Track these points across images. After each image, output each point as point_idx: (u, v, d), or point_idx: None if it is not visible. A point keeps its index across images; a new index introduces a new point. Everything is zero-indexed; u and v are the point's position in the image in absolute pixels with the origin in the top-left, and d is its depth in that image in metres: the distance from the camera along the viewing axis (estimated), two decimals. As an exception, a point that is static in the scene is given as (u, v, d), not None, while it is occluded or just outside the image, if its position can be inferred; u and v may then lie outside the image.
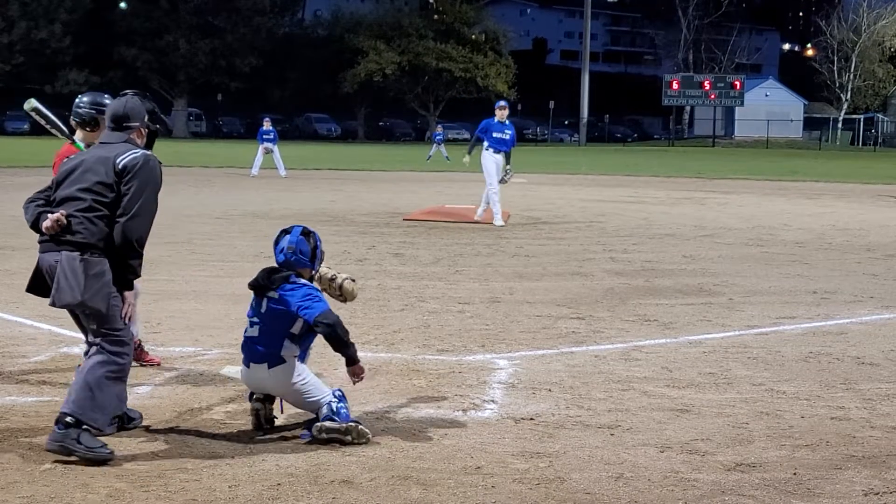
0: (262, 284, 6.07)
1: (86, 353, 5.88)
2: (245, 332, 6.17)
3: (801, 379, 7.70)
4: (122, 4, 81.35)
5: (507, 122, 19.17)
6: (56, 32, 75.42)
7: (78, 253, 5.57)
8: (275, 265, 6.19)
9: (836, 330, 9.63)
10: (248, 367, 6.14)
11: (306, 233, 6.24)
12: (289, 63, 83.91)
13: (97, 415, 5.58)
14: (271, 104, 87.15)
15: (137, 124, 5.97)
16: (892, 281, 12.87)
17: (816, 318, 10.19)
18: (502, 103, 19.51)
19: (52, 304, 5.64)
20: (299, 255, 6.14)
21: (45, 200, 5.79)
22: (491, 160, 18.95)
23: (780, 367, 8.07)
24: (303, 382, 6.07)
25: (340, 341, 5.97)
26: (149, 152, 5.89)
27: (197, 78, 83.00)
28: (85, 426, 5.51)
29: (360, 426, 5.96)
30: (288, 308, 5.97)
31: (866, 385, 7.56)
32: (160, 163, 5.92)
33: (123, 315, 5.76)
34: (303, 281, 6.12)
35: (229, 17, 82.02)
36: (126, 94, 6.10)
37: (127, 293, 5.77)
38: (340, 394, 6.13)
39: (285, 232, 6.24)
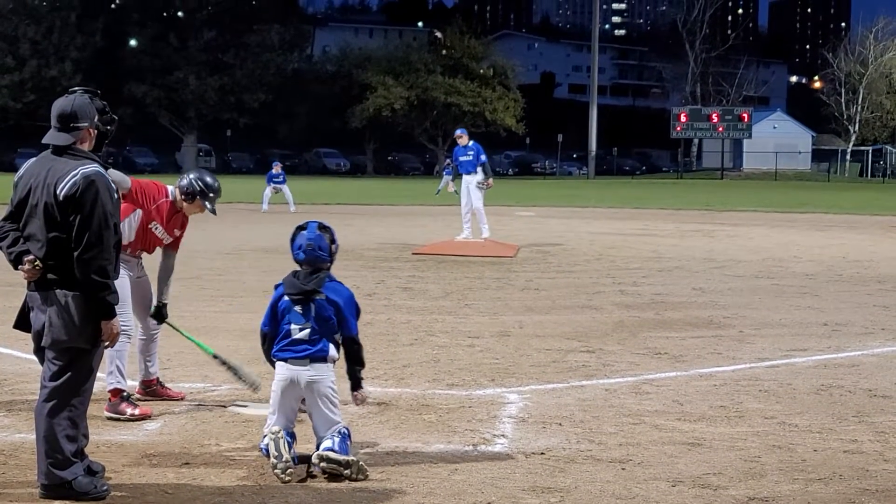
0: (309, 291, 6.14)
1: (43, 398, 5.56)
2: (286, 337, 6.14)
3: (814, 412, 7.66)
4: (132, 42, 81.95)
5: (470, 143, 21.09)
6: (67, 70, 75.90)
7: (67, 291, 5.42)
8: (296, 268, 6.28)
9: (847, 362, 9.59)
10: (285, 362, 6.14)
11: (323, 228, 6.34)
12: (298, 98, 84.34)
13: (65, 471, 5.47)
14: (280, 139, 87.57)
15: (86, 124, 5.55)
16: (904, 312, 12.82)
17: (828, 351, 10.15)
18: (458, 132, 21.62)
19: (45, 344, 5.48)
20: (318, 251, 6.25)
21: (17, 232, 5.52)
22: (463, 182, 21.06)
23: (792, 400, 8.02)
24: (335, 392, 6.17)
25: (361, 361, 6.32)
26: (88, 168, 5.42)
27: (206, 114, 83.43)
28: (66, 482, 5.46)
29: (360, 462, 5.94)
30: (339, 307, 6.18)
31: (879, 417, 7.51)
32: (107, 167, 5.55)
33: (108, 345, 5.60)
34: (338, 280, 6.33)
35: (238, 53, 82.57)
36: (75, 91, 5.68)
37: (108, 323, 5.50)
38: (347, 431, 6.15)
39: (301, 228, 6.33)
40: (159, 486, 5.77)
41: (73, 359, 5.49)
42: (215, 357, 7.84)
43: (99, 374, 5.83)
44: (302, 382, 6.13)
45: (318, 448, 6.05)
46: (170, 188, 7.81)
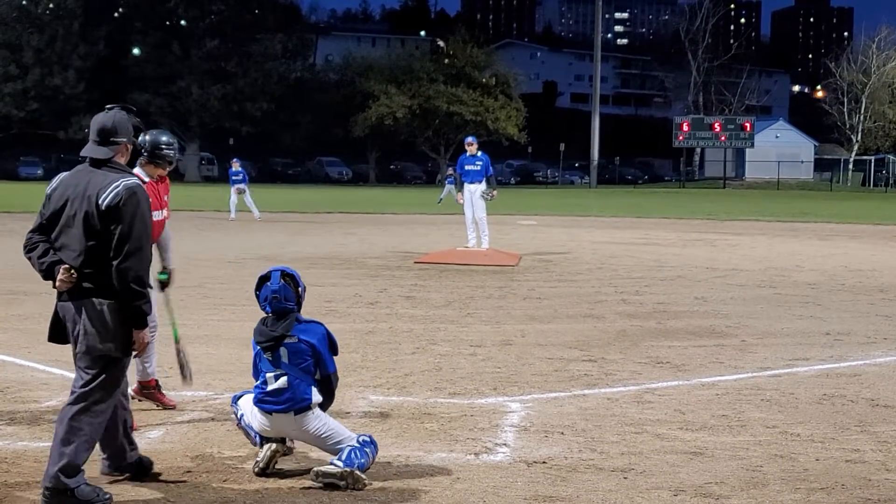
0: (277, 336, 6.09)
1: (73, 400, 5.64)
2: (263, 386, 6.15)
3: (816, 421, 7.65)
4: (136, 51, 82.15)
5: (479, 153, 20.98)
6: (70, 79, 76.14)
7: (102, 300, 5.52)
8: (265, 315, 6.25)
9: (849, 372, 9.59)
10: (269, 415, 6.14)
11: (285, 275, 6.23)
12: (300, 107, 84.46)
13: (71, 479, 5.47)
14: (283, 148, 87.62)
15: (124, 140, 5.75)
16: (906, 322, 12.81)
17: (830, 360, 10.14)
18: (469, 140, 21.38)
19: (79, 351, 5.58)
20: (284, 301, 6.17)
21: (47, 243, 5.64)
22: (466, 192, 20.81)
23: (794, 410, 8.02)
24: (326, 428, 6.14)
25: (331, 397, 6.29)
26: (130, 181, 5.59)
27: (209, 122, 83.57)
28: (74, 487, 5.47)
29: (356, 472, 5.93)
30: (314, 347, 6.10)
31: (881, 427, 7.51)
32: (144, 183, 5.64)
33: (137, 353, 5.74)
34: (308, 318, 6.26)
35: (241, 62, 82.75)
36: (113, 108, 5.86)
37: (140, 332, 5.63)
38: (367, 439, 6.18)
39: (265, 279, 6.23)
40: (161, 495, 5.77)
41: (105, 367, 5.58)
42: (177, 342, 7.92)
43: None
44: (290, 435, 6.21)
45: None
46: (137, 170, 7.58)
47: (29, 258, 5.70)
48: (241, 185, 32.95)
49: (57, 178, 5.82)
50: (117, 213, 5.47)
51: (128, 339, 5.58)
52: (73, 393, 5.63)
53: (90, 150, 5.70)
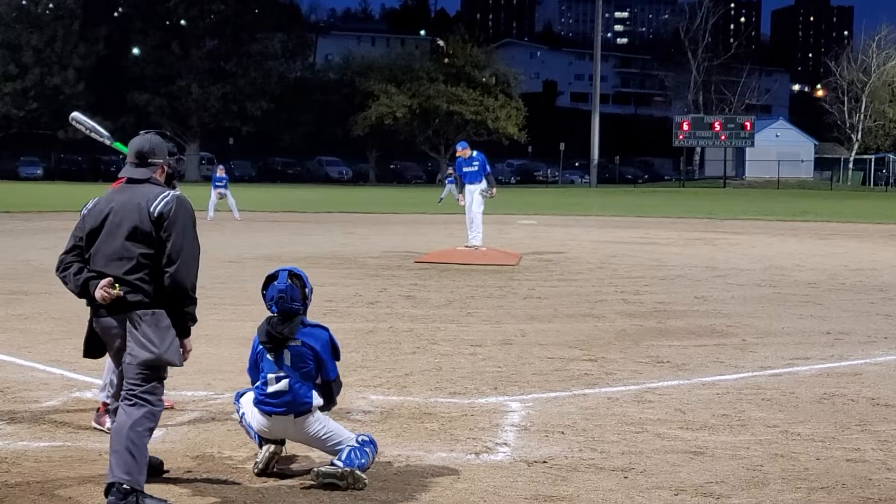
0: (281, 338, 6.07)
1: (116, 400, 5.68)
2: (264, 388, 6.13)
3: (816, 420, 7.65)
4: (135, 50, 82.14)
5: (474, 154, 21.21)
6: (69, 78, 76.09)
7: (145, 310, 5.54)
8: (270, 315, 6.23)
9: (850, 371, 9.58)
10: (269, 416, 6.13)
11: (293, 276, 6.22)
12: (300, 107, 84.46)
13: (142, 477, 5.47)
14: (282, 147, 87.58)
15: (161, 161, 5.91)
16: (906, 321, 12.80)
17: (830, 359, 10.14)
18: (460, 147, 21.54)
19: (129, 361, 5.57)
20: (291, 302, 6.15)
21: (81, 260, 5.68)
22: (467, 192, 21.10)
23: (795, 409, 8.02)
24: (325, 430, 6.13)
25: (332, 401, 6.27)
26: (178, 193, 5.79)
27: (209, 122, 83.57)
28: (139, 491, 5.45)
29: (356, 472, 5.92)
30: (317, 352, 6.08)
31: (882, 426, 7.50)
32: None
33: (182, 363, 5.77)
34: (314, 322, 6.23)
35: (241, 61, 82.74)
36: (148, 132, 6.03)
37: (186, 340, 5.75)
38: (367, 439, 6.18)
39: (272, 279, 6.23)
40: (161, 495, 5.76)
41: (156, 375, 5.61)
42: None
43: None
44: (290, 437, 6.21)
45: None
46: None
47: (63, 277, 5.73)
48: (223, 190, 33.47)
49: (91, 200, 5.89)
50: (171, 220, 5.57)
51: (175, 346, 5.62)
52: (127, 399, 5.59)
53: (129, 171, 5.84)
